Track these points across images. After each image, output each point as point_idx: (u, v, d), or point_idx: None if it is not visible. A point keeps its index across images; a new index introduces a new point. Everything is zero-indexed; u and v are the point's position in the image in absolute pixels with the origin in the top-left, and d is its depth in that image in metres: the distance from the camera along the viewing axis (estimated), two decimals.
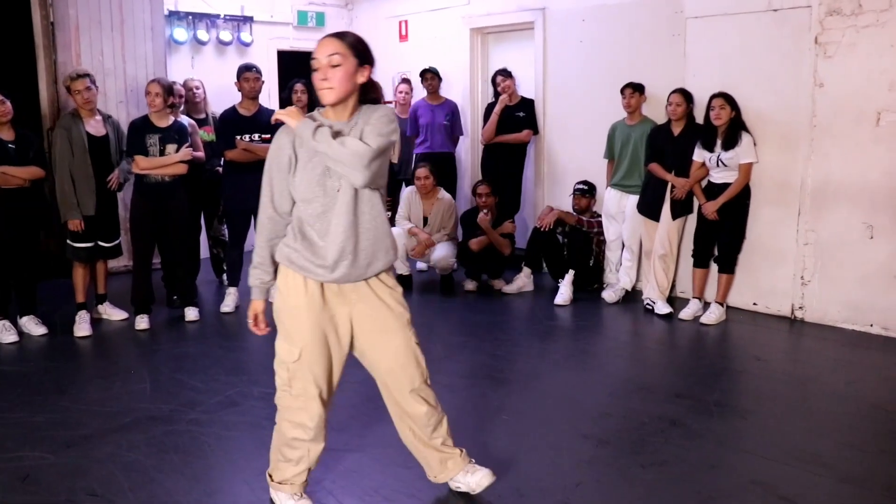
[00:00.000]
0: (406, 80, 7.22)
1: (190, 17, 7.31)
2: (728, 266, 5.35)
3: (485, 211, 6.05)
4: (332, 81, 2.41)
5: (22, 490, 3.04)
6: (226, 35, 7.51)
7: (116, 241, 5.33)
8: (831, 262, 5.11)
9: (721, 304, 5.35)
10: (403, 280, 6.16)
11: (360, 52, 2.46)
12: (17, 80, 5.98)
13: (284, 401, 2.65)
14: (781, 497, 2.95)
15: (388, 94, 7.45)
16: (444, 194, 6.32)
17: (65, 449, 3.40)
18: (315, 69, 2.43)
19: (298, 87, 5.98)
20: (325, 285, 2.57)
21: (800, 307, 5.30)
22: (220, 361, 4.62)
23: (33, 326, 5.10)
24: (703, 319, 5.27)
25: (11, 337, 4.93)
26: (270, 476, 2.80)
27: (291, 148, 2.51)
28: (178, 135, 5.12)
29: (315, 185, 2.48)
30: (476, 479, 2.88)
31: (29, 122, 5.20)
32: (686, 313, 5.37)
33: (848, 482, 3.07)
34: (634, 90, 5.67)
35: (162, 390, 4.12)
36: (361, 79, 2.47)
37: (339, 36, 2.46)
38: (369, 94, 2.55)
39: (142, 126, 5.06)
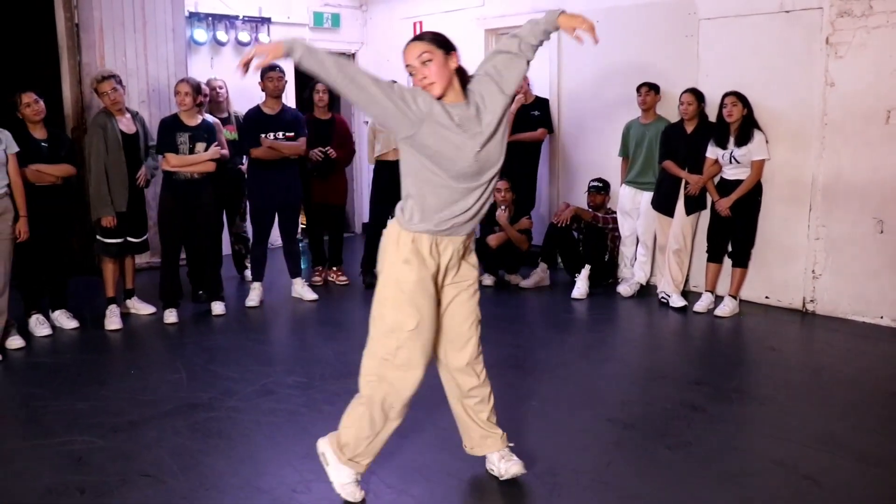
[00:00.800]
0: None
1: (209, 19, 7.45)
2: (741, 260, 5.49)
3: (503, 207, 6.19)
4: (431, 76, 2.59)
5: (77, 471, 3.17)
6: (244, 36, 7.65)
7: (144, 237, 5.47)
8: (842, 256, 5.25)
9: (734, 298, 5.49)
10: None
11: (442, 43, 2.65)
12: (41, 80, 6.11)
13: (383, 370, 2.72)
14: (803, 476, 3.09)
15: None
16: None
17: (112, 434, 3.53)
18: (412, 74, 2.63)
19: (320, 86, 6.12)
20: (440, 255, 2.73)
21: (811, 300, 5.44)
22: (250, 353, 4.75)
23: (65, 320, 5.23)
24: (718, 312, 5.42)
25: (45, 330, 5.07)
26: (341, 450, 2.83)
27: (444, 110, 2.58)
28: (207, 133, 5.26)
29: (470, 149, 2.60)
30: (506, 466, 3.01)
31: (52, 123, 5.31)
32: (700, 306, 5.51)
33: (867, 462, 3.22)
34: (650, 89, 5.82)
35: (198, 380, 4.25)
36: (454, 64, 2.65)
37: (419, 38, 2.67)
38: (466, 77, 2.73)
39: (172, 124, 5.20)
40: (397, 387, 2.72)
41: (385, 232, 2.77)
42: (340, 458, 2.85)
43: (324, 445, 2.92)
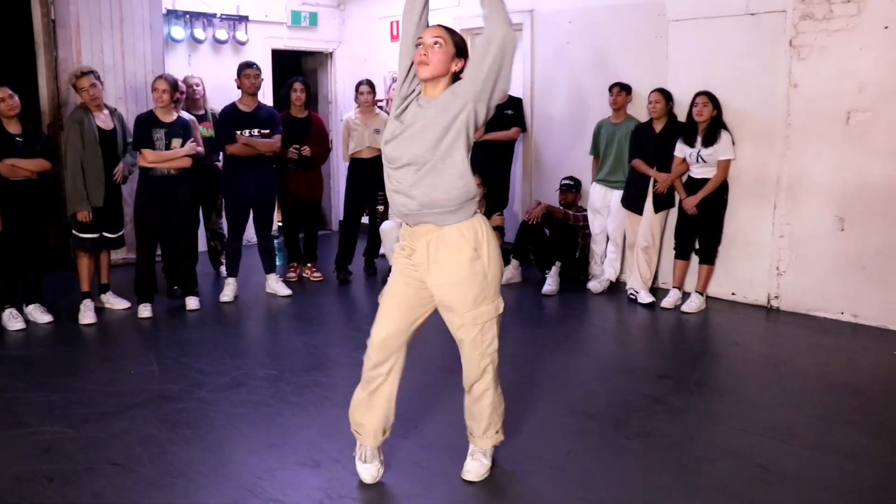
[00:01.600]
0: None
1: (187, 16, 7.49)
2: (708, 258, 5.62)
3: None
4: (430, 58, 2.69)
5: (46, 460, 3.22)
6: (222, 34, 7.70)
7: (120, 233, 5.50)
8: (805, 253, 5.38)
9: (701, 294, 5.61)
10: None
11: (459, 44, 2.76)
12: (17, 76, 6.11)
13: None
14: (756, 464, 3.20)
15: (380, 92, 7.67)
16: None
17: (82, 424, 3.59)
18: (418, 46, 2.72)
19: (297, 85, 6.19)
20: None
21: (775, 296, 5.57)
22: (222, 347, 4.81)
23: (39, 314, 5.26)
24: (684, 308, 5.54)
25: (18, 324, 5.09)
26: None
27: (407, 97, 2.82)
28: (182, 129, 5.31)
29: (390, 132, 2.79)
30: (469, 467, 3.08)
31: (28, 119, 5.31)
32: (667, 302, 5.63)
33: (817, 450, 3.33)
34: (622, 89, 5.93)
35: (169, 373, 4.30)
36: (455, 67, 2.74)
37: (447, 28, 2.77)
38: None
39: (148, 120, 5.25)
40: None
41: None
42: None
43: None
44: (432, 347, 4.32)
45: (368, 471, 2.99)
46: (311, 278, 6.50)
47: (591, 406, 3.85)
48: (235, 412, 3.73)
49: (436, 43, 2.68)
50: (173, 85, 5.32)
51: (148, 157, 5.21)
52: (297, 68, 8.87)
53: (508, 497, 2.96)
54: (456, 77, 2.76)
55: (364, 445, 3.00)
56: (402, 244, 2.88)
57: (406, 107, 2.78)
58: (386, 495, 2.96)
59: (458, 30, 7.93)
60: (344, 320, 5.73)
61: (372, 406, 2.93)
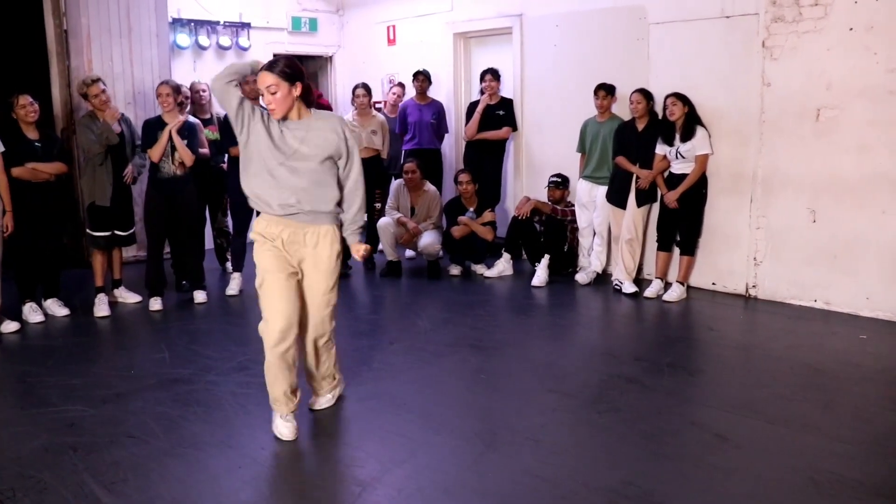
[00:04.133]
0: (400, 84, 7.75)
1: (192, 24, 7.81)
2: (689, 249, 5.91)
3: (470, 210, 6.62)
4: (273, 104, 3.26)
5: (71, 433, 3.56)
6: (225, 40, 8.02)
7: (131, 231, 5.83)
8: (780, 244, 5.67)
9: (682, 284, 5.91)
10: (393, 266, 6.72)
11: (289, 75, 3.23)
12: (31, 83, 6.42)
13: None
14: (715, 434, 3.51)
15: (377, 94, 7.99)
16: (429, 187, 6.86)
17: (101, 404, 3.92)
18: (262, 96, 3.28)
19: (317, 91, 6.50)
20: None
21: (753, 286, 5.86)
22: (228, 335, 5.15)
23: (57, 308, 5.59)
24: (666, 297, 5.83)
25: (38, 317, 5.43)
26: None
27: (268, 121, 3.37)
28: (188, 132, 5.63)
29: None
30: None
31: (42, 124, 5.53)
32: (650, 292, 5.92)
33: (773, 422, 3.63)
34: (607, 92, 6.23)
35: (180, 358, 4.64)
36: (296, 93, 3.27)
37: (271, 68, 3.23)
38: (309, 97, 3.37)
39: (155, 124, 5.58)
40: None
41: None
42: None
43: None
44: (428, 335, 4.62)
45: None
46: None
47: (569, 385, 4.16)
48: (241, 392, 4.06)
49: (273, 93, 3.19)
50: (175, 89, 5.65)
51: (153, 155, 5.53)
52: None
53: (481, 463, 3.26)
54: (304, 95, 3.29)
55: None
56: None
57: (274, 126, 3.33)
58: (375, 462, 3.28)
59: (451, 34, 8.25)
60: (344, 311, 6.01)
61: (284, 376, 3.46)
